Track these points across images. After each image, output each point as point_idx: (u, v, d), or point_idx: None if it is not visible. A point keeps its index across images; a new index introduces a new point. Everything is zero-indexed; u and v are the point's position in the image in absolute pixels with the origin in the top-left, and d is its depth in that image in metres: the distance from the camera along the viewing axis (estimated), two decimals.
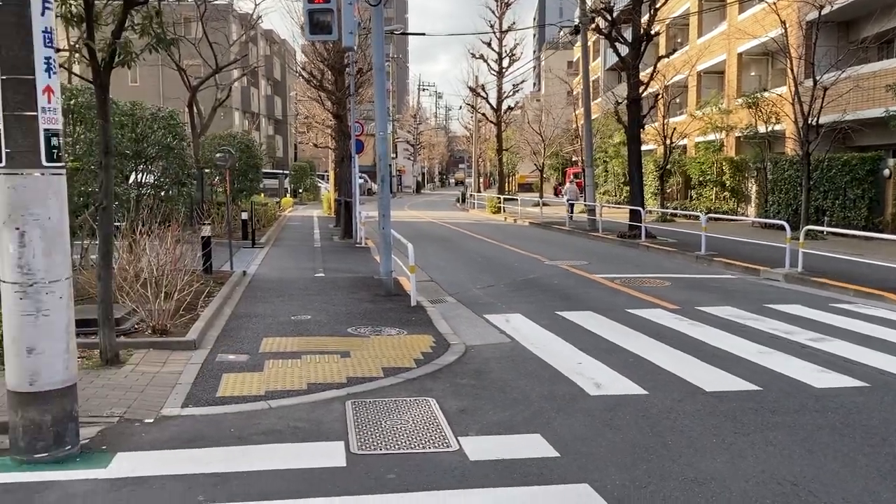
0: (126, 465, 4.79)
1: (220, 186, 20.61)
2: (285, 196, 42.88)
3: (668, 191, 32.37)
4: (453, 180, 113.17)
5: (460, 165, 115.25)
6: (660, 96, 27.19)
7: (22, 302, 4.73)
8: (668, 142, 28.83)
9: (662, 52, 26.32)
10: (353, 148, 21.68)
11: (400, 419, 5.74)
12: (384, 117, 12.19)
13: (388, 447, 5.13)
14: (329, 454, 4.99)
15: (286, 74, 66.68)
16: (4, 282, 4.78)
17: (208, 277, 11.61)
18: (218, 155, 17.61)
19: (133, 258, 9.37)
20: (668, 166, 30.21)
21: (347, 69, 22.37)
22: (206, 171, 19.33)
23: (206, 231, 12.40)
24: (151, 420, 5.69)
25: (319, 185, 52.93)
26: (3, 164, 4.70)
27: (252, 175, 23.87)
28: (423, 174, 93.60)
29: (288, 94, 65.37)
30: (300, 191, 49.21)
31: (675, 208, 29.61)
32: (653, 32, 21.71)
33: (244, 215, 19.58)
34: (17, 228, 4.70)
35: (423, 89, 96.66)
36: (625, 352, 7.99)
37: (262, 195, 29.39)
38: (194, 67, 28.36)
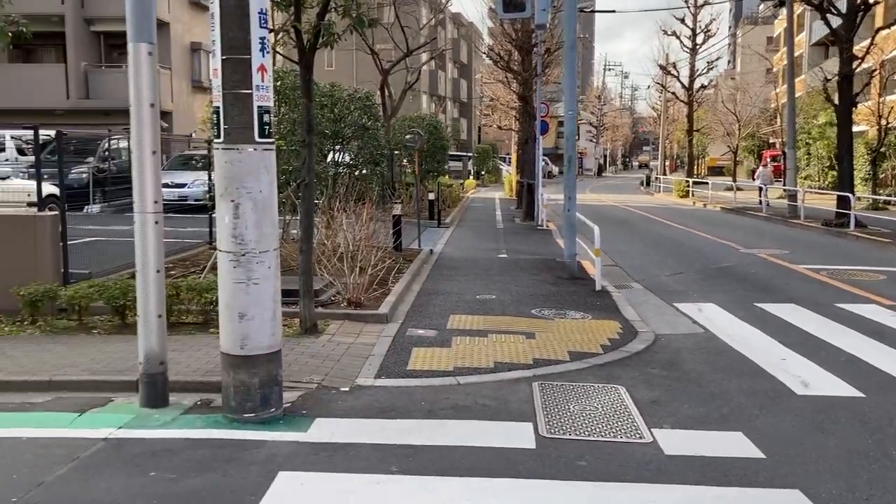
0: (325, 430, 4.99)
1: (408, 167, 21.20)
2: (468, 178, 43.48)
3: (882, 176, 29.46)
4: (636, 163, 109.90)
5: (644, 148, 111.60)
6: (875, 72, 24.74)
7: (235, 270, 5.03)
8: (883, 122, 26.19)
9: (880, 22, 23.86)
10: (537, 129, 21.50)
11: (589, 405, 5.57)
12: (573, 96, 11.92)
13: (578, 433, 4.99)
14: (518, 435, 4.93)
15: (472, 57, 67.43)
16: (220, 250, 5.11)
17: (398, 254, 11.94)
18: (408, 136, 18.09)
19: (330, 233, 9.80)
20: (883, 149, 27.47)
21: (535, 49, 22.16)
22: (396, 152, 19.91)
23: (398, 210, 12.75)
24: (347, 389, 5.90)
25: (501, 167, 53.20)
26: (221, 139, 5.00)
27: (439, 157, 24.38)
28: (605, 157, 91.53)
29: (473, 76, 66.15)
30: (482, 173, 49.71)
31: (890, 195, 26.91)
32: (871, 1, 19.70)
33: (431, 196, 20.00)
34: (233, 201, 4.99)
35: (609, 69, 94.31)
36: (835, 349, 7.31)
37: (447, 177, 29.96)
38: (385, 52, 29.29)
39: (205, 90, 27.58)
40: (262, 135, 4.99)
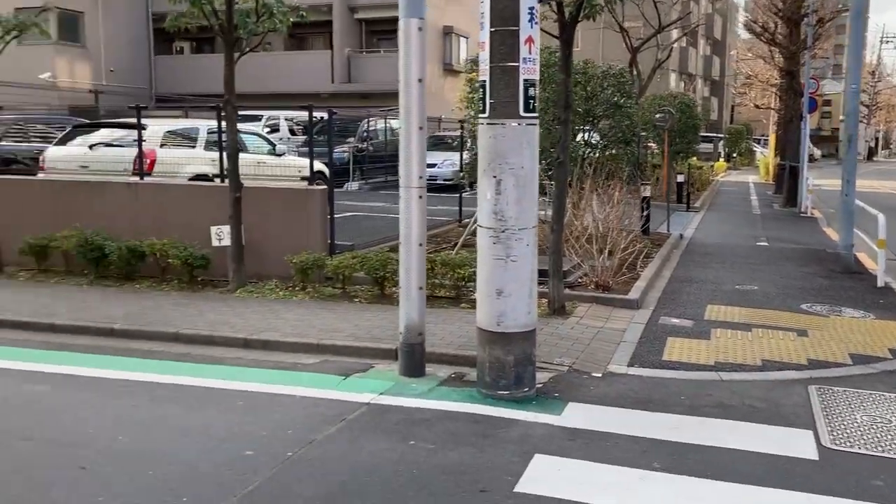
0: (578, 415, 4.81)
1: (655, 148, 20.33)
2: (718, 160, 41.02)
3: None
4: None
5: None
6: None
7: (494, 246, 4.98)
8: None
9: None
10: (804, 107, 19.63)
11: (880, 416, 4.88)
12: (858, 69, 10.61)
13: (869, 447, 4.37)
14: (795, 443, 4.41)
15: (727, 32, 63.46)
16: (480, 226, 5.09)
17: (645, 238, 11.45)
18: (658, 115, 17.32)
19: (579, 214, 9.58)
20: None
21: (805, 19, 20.21)
22: (643, 133, 19.14)
23: (647, 192, 12.23)
24: (599, 375, 5.67)
25: (754, 149, 49.62)
26: (486, 114, 4.96)
27: (690, 137, 23.13)
28: (877, 139, 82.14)
29: (727, 53, 62.25)
30: (734, 155, 46.66)
31: None
32: None
33: (680, 178, 19.02)
34: (495, 176, 4.94)
35: (886, 42, 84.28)
36: None
37: (696, 158, 28.44)
38: (634, 29, 28.31)
39: (455, 73, 28.39)
40: (526, 109, 4.88)
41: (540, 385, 5.31)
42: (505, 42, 4.82)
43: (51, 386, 5.41)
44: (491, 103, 4.91)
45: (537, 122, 5.04)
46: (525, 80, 4.86)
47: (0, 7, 9.20)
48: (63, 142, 11.45)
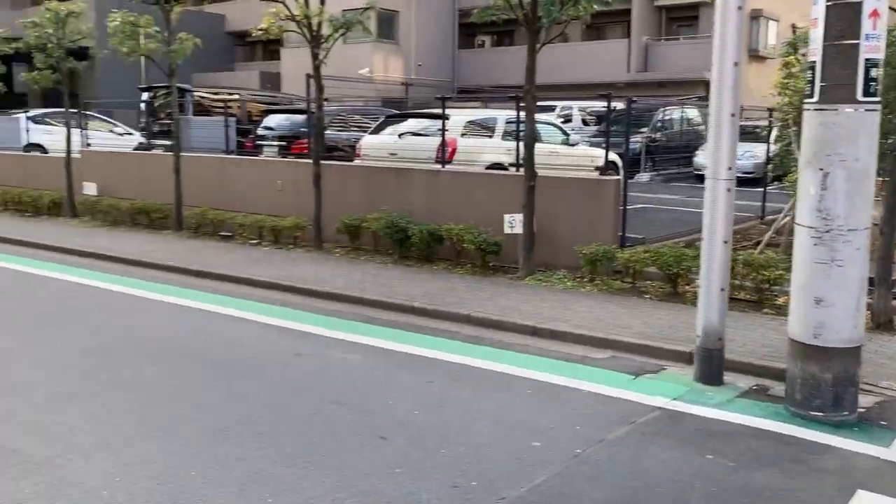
0: None
1: None
2: None
3: None
4: None
5: None
6: None
7: (815, 248, 4.43)
8: None
9: None
10: None
11: None
12: None
13: None
14: None
15: None
16: (799, 224, 4.56)
17: None
18: None
19: None
20: None
21: None
22: None
23: None
24: None
25: None
26: (815, 99, 4.41)
27: None
28: None
29: None
30: None
31: None
32: None
33: None
34: (821, 169, 4.38)
35: None
36: None
37: None
38: None
39: (761, 59, 26.36)
40: (866, 93, 4.26)
41: (862, 410, 4.64)
42: (843, 17, 4.23)
43: (360, 355, 5.84)
44: (822, 86, 4.35)
45: (878, 108, 4.38)
46: (867, 60, 4.24)
47: (330, 7, 10.06)
48: (376, 131, 12.42)
